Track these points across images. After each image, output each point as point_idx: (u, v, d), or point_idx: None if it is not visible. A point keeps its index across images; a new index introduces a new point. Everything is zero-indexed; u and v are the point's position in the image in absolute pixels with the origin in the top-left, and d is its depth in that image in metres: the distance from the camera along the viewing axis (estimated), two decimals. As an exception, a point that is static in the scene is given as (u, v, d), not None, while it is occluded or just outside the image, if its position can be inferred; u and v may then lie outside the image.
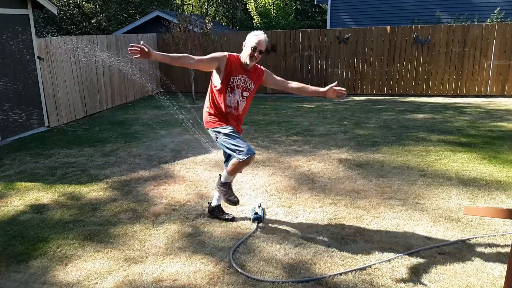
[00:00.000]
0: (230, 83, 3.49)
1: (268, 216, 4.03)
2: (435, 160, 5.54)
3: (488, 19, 13.22)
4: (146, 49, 3.05)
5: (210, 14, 27.28)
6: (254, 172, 5.28)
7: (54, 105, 8.38)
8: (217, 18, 27.68)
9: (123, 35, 11.26)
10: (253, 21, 21.72)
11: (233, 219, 3.94)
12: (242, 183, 4.91)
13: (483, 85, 10.55)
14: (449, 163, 5.40)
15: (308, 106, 10.05)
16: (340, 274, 3.04)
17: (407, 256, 3.25)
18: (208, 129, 3.66)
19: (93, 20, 22.83)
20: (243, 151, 3.38)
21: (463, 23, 11.04)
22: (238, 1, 27.17)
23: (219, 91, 3.52)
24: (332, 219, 3.93)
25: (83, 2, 23.44)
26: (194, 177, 5.16)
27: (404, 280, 2.95)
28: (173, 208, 4.27)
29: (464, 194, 4.41)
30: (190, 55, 3.42)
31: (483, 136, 6.69)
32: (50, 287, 3.01)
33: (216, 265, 3.20)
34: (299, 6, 24.80)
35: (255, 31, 3.62)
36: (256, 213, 3.92)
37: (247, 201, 4.39)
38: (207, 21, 10.79)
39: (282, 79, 3.76)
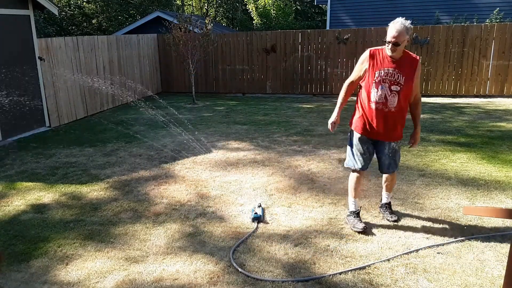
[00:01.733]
0: (376, 78, 3.37)
1: (268, 215, 4.05)
2: (434, 160, 5.56)
3: (487, 20, 13.24)
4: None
5: (210, 14, 27.30)
6: (254, 172, 5.29)
7: (55, 105, 8.39)
8: (217, 19, 27.70)
9: (123, 35, 11.28)
10: (253, 22, 21.75)
11: (364, 230, 3.60)
12: (242, 183, 4.93)
13: (482, 85, 10.57)
14: (448, 163, 5.42)
15: (307, 106, 10.07)
16: (340, 273, 3.06)
17: (406, 255, 3.27)
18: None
19: (93, 21, 22.85)
20: (348, 160, 3.67)
21: (462, 24, 11.06)
22: (238, 1, 27.20)
23: (365, 88, 3.47)
24: (332, 218, 3.94)
25: (84, 3, 23.47)
26: (194, 177, 5.18)
27: (403, 280, 2.96)
28: (173, 208, 4.29)
29: (463, 193, 4.43)
30: (345, 86, 3.57)
31: (482, 136, 6.71)
32: (51, 286, 3.02)
33: (216, 264, 3.22)
34: (299, 7, 24.84)
35: (396, 19, 3.29)
36: (256, 213, 3.94)
37: (247, 201, 4.41)
38: (207, 21, 10.81)
39: (418, 85, 3.52)
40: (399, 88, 3.35)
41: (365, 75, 3.46)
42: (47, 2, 8.05)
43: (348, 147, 3.70)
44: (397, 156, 3.67)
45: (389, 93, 3.36)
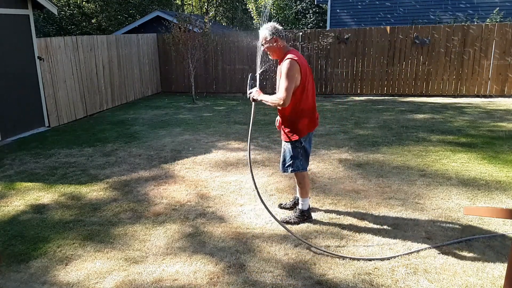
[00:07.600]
0: None
1: (268, 215, 4.03)
2: (435, 160, 5.54)
3: (488, 19, 13.22)
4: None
5: (210, 14, 27.29)
6: (254, 172, 5.28)
7: (54, 105, 8.38)
8: (217, 18, 27.69)
9: (123, 35, 11.26)
10: (253, 21, 21.73)
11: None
12: (242, 183, 4.92)
13: (483, 85, 10.55)
14: (449, 163, 5.41)
15: (308, 106, 10.04)
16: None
17: (406, 256, 3.26)
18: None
19: (93, 20, 22.84)
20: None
21: (463, 23, 11.04)
22: (238, 1, 27.18)
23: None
24: (332, 219, 3.93)
25: (84, 2, 23.46)
26: (194, 177, 5.17)
27: (404, 280, 2.95)
28: (173, 208, 4.27)
29: (464, 194, 4.41)
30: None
31: (483, 136, 6.69)
32: (50, 287, 3.01)
33: (216, 265, 3.21)
34: (299, 6, 24.78)
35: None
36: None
37: (247, 201, 4.39)
38: (206, 20, 10.79)
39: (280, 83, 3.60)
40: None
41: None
42: (47, 1, 8.03)
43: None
44: (284, 155, 3.77)
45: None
